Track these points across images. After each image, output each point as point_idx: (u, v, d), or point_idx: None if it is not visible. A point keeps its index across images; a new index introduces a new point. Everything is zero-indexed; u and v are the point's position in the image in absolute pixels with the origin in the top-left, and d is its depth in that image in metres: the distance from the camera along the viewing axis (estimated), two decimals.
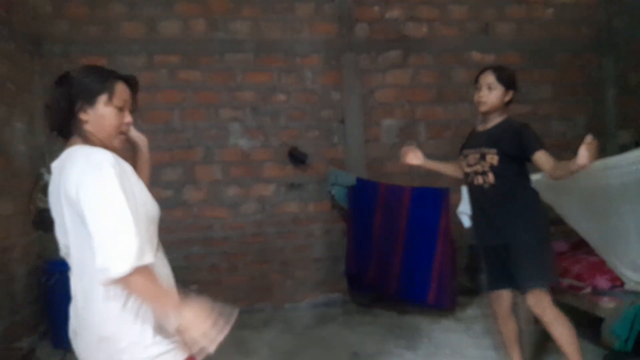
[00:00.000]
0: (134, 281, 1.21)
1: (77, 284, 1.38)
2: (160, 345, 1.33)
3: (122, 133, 1.46)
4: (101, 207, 1.23)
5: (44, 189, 3.42)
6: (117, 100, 1.40)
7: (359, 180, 4.09)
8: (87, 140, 1.39)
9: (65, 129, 1.40)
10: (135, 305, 1.31)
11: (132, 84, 1.47)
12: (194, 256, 4.11)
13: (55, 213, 1.40)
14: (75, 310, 1.40)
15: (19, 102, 3.49)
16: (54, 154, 1.43)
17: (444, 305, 3.69)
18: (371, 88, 4.43)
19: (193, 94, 4.18)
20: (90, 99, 1.37)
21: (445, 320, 3.74)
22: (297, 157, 4.24)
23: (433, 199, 3.67)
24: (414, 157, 2.78)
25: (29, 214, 3.53)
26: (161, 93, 4.07)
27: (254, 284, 4.20)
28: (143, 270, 1.22)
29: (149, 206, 1.40)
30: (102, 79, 1.39)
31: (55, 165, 1.40)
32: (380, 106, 4.45)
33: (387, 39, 4.44)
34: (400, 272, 3.79)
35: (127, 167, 1.37)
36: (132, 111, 1.48)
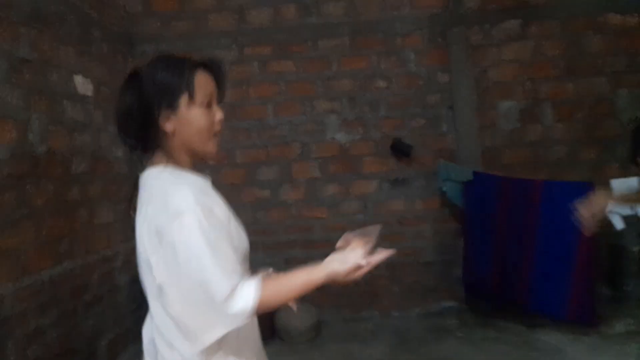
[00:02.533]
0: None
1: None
2: None
3: (216, 134, 1.16)
4: (182, 265, 1.01)
5: None
6: (201, 97, 1.10)
7: (475, 174, 3.56)
8: (172, 157, 1.13)
9: (144, 140, 1.11)
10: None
11: (214, 69, 1.15)
12: (294, 259, 3.84)
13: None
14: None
15: (113, 105, 3.40)
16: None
17: (586, 321, 3.13)
18: (484, 66, 3.85)
19: (286, 87, 3.89)
20: (171, 102, 1.08)
21: (587, 338, 3.15)
22: (400, 150, 3.81)
23: (573, 196, 3.04)
24: None
25: (129, 219, 3.45)
26: (253, 87, 3.83)
27: (358, 290, 3.83)
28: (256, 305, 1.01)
29: (238, 242, 1.12)
30: (179, 72, 1.09)
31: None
32: (495, 86, 3.86)
33: (503, 7, 3.83)
34: (531, 282, 3.24)
35: (214, 198, 1.12)
36: (220, 101, 1.16)
